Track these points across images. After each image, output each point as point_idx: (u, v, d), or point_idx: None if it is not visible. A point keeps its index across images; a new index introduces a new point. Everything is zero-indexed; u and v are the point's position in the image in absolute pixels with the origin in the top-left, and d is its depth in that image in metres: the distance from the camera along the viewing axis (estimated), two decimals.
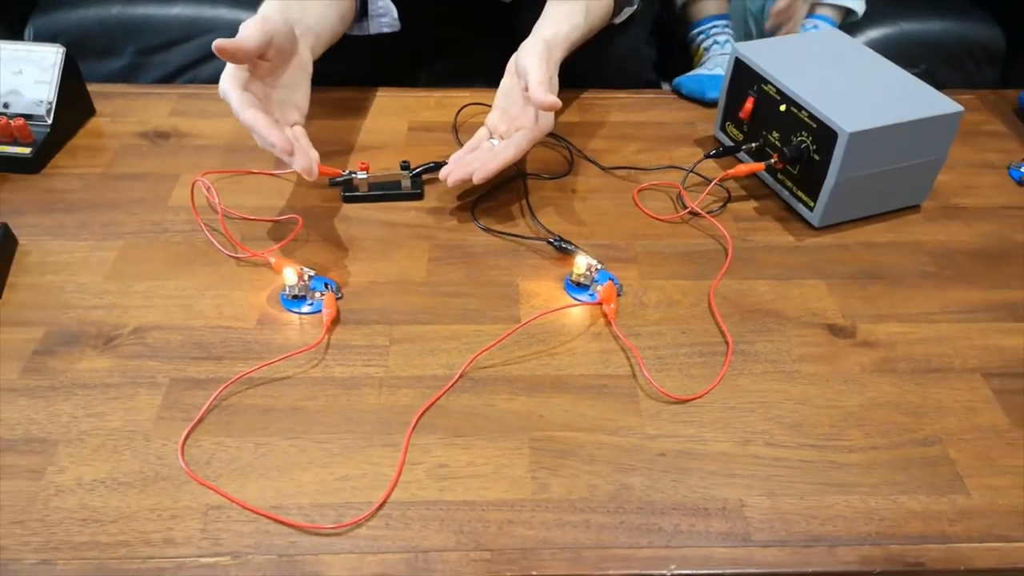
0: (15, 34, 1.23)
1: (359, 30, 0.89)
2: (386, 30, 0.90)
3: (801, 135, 0.76)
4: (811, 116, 0.74)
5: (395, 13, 0.89)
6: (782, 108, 0.77)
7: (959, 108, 0.74)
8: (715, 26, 1.13)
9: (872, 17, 1.27)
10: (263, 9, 0.74)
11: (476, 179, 0.74)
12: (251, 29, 0.68)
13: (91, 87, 0.91)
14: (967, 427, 0.59)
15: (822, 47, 0.85)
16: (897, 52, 1.27)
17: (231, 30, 1.31)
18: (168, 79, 1.27)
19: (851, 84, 0.77)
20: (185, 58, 1.28)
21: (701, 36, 1.13)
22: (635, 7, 0.96)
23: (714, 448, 0.57)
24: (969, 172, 0.86)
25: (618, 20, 0.95)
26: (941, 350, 0.65)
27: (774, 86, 0.78)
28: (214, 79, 1.25)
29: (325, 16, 0.80)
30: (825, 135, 0.73)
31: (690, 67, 1.03)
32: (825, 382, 0.62)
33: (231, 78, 0.68)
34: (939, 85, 0.78)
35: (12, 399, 0.59)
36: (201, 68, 1.28)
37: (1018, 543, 0.52)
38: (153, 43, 1.26)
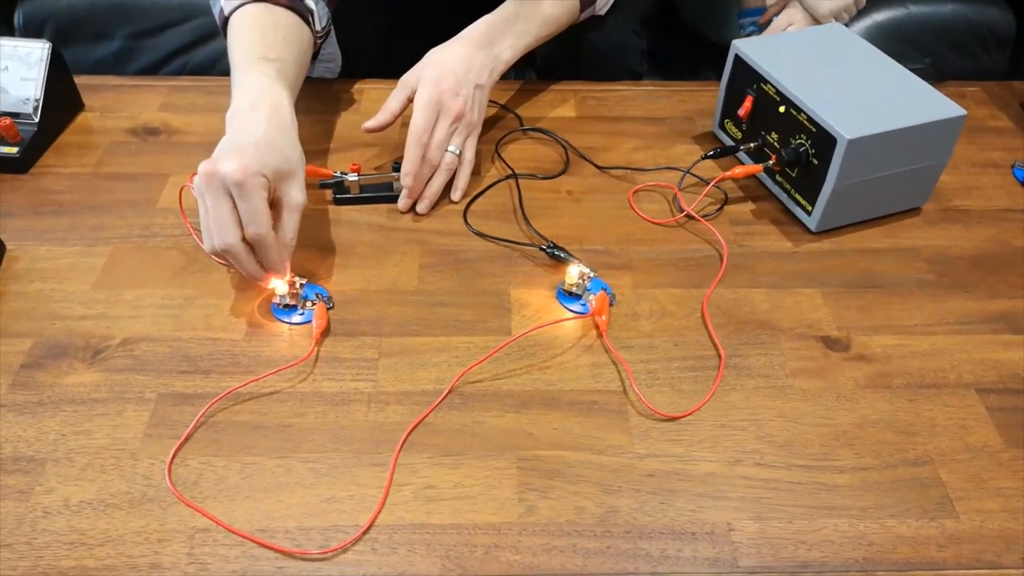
0: (4, 19, 1.21)
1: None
2: (327, 75, 0.96)
3: (800, 138, 0.74)
4: (810, 119, 0.72)
5: (339, 60, 0.95)
6: (781, 109, 0.76)
7: (962, 112, 0.72)
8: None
9: None
10: (280, 98, 0.69)
11: (458, 197, 0.79)
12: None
13: (79, 80, 0.89)
14: (959, 447, 0.59)
15: (823, 45, 0.83)
16: (905, 35, 1.25)
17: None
18: (161, 63, 1.26)
19: (852, 85, 0.75)
20: (178, 41, 1.26)
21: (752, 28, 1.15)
22: None
23: (703, 469, 0.57)
24: (972, 172, 0.85)
25: (602, 11, 0.93)
26: (936, 364, 0.65)
27: (773, 86, 0.77)
28: (208, 63, 1.25)
29: (301, 72, 0.78)
30: (824, 140, 0.71)
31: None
32: (817, 398, 0.62)
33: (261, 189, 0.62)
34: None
35: (0, 415, 0.59)
36: (195, 51, 1.26)
37: (1005, 570, 0.52)
38: (145, 26, 1.24)
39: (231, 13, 0.75)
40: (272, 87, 0.69)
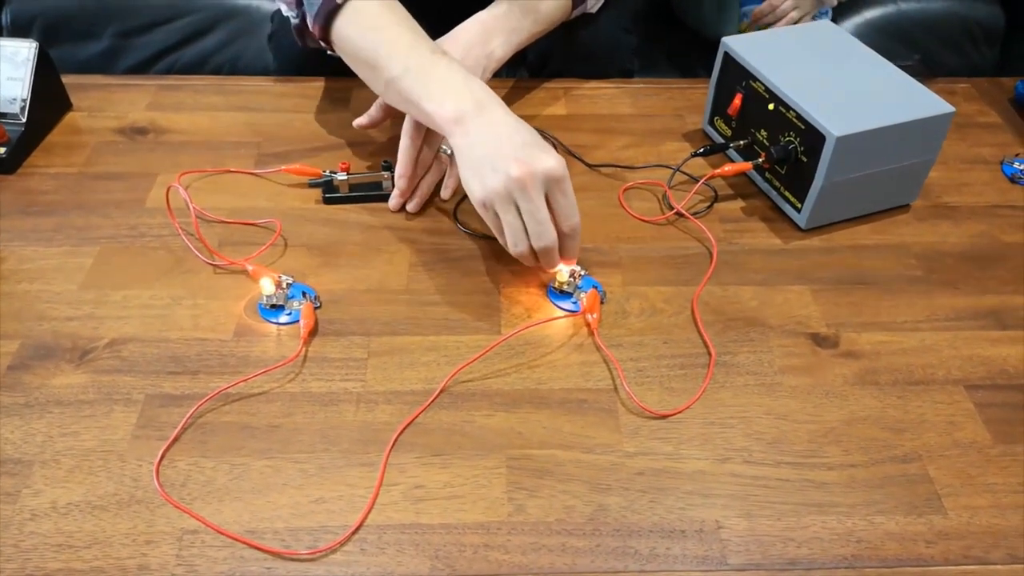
0: None
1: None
2: None
3: (789, 135, 0.74)
4: (799, 117, 0.72)
5: None
6: (770, 107, 0.76)
7: (950, 109, 0.72)
8: None
9: None
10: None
11: (447, 195, 0.77)
12: None
13: (67, 79, 0.89)
14: (948, 443, 0.59)
15: (813, 42, 0.83)
16: (895, 32, 1.25)
17: (214, 11, 1.28)
18: (150, 62, 1.25)
19: (841, 83, 0.75)
20: (167, 40, 1.25)
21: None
22: None
23: (692, 466, 0.57)
24: (961, 168, 0.85)
25: (594, 9, 0.93)
26: (924, 360, 0.65)
27: (763, 83, 0.77)
28: (196, 62, 1.25)
29: None
30: (813, 137, 0.71)
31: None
32: (806, 395, 0.62)
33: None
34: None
35: None
36: (183, 50, 1.26)
37: (993, 566, 0.52)
38: (134, 25, 1.23)
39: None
40: (475, 81, 0.67)
